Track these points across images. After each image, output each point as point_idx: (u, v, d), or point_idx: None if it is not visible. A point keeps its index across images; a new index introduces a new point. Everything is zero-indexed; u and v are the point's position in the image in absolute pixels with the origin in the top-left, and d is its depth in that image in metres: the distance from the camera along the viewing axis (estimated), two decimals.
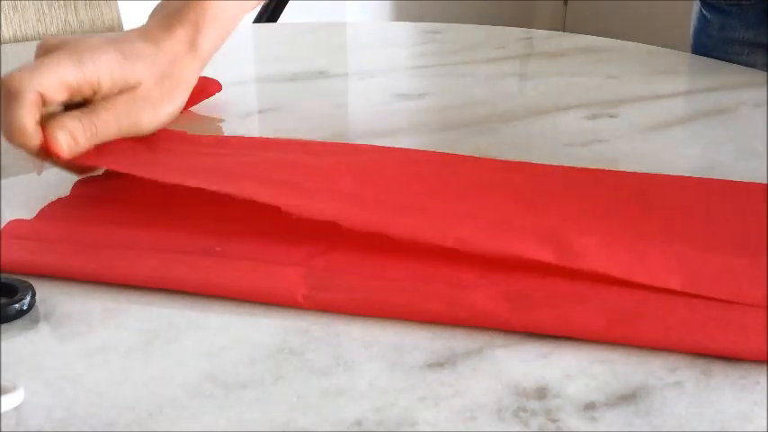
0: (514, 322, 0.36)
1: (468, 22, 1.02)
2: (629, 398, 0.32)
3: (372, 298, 0.38)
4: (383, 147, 0.56)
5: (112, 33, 0.56)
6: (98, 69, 0.50)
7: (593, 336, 0.35)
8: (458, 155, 0.54)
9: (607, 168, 0.52)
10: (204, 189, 0.45)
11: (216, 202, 0.46)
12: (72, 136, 0.48)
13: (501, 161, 0.53)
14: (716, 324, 0.36)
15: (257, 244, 0.42)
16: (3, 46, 0.91)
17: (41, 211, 0.47)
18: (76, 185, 0.51)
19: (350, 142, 0.60)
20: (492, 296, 0.37)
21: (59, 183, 0.51)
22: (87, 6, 1.05)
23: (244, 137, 0.58)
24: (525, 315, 0.36)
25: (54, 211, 0.47)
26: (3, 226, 0.44)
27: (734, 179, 0.50)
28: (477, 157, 0.54)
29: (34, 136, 0.47)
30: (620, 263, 0.40)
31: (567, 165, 0.53)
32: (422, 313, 0.37)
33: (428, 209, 0.45)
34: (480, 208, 0.46)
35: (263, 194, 0.44)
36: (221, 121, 0.66)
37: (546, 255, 0.40)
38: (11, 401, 0.31)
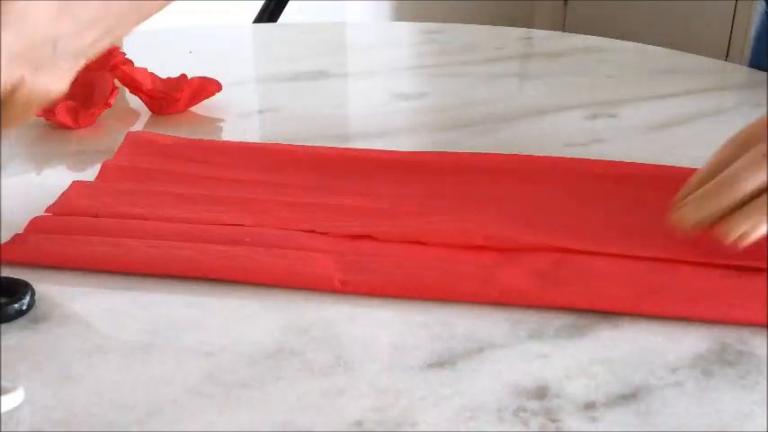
0: (545, 299, 0.38)
1: (469, 22, 1.02)
2: (629, 398, 0.32)
3: (407, 279, 0.39)
4: (386, 151, 0.55)
5: None
6: None
7: (623, 309, 0.37)
8: (461, 153, 0.55)
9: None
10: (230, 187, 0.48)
11: (236, 199, 0.48)
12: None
13: (502, 156, 0.54)
14: (741, 293, 0.38)
15: (282, 236, 0.43)
16: None
17: (61, 201, 0.47)
18: (99, 176, 0.51)
19: (349, 142, 0.60)
20: (521, 274, 0.39)
21: (59, 183, 0.51)
22: None
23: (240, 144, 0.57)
24: (555, 291, 0.38)
25: (76, 201, 0.48)
26: (27, 224, 0.45)
27: None
28: (480, 154, 0.54)
29: None
30: (638, 244, 0.42)
31: None
32: (456, 293, 0.38)
33: (450, 209, 0.46)
34: (494, 206, 0.47)
35: (293, 219, 0.45)
36: (221, 121, 0.66)
37: (569, 242, 0.42)
38: (11, 401, 0.31)
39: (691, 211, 0.40)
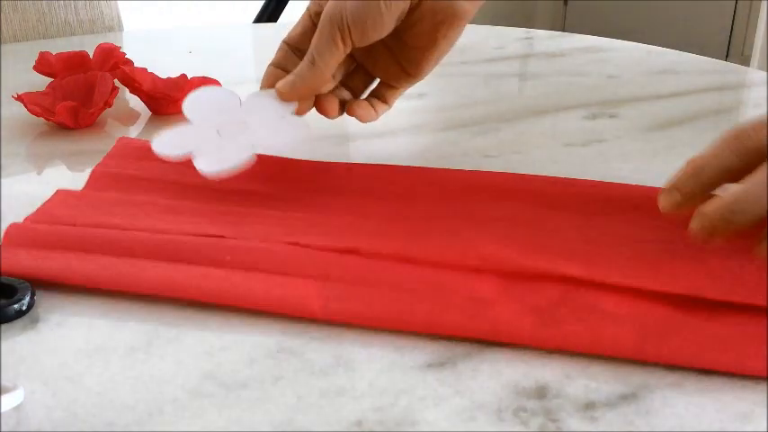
0: (539, 340, 0.35)
1: (469, 22, 1.02)
2: (629, 398, 0.32)
3: (391, 309, 0.37)
4: (381, 165, 0.53)
5: None
6: None
7: (625, 354, 0.34)
8: (462, 170, 0.52)
9: (605, 167, 0.52)
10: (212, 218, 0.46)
11: (219, 210, 0.46)
12: None
13: (508, 175, 0.51)
14: (749, 342, 0.34)
15: (264, 252, 0.41)
16: (3, 46, 0.91)
17: (42, 210, 0.46)
18: (88, 184, 0.50)
19: (349, 142, 0.60)
20: (516, 310, 0.36)
21: (59, 183, 0.51)
22: (87, 6, 1.05)
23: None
24: (551, 332, 0.35)
25: (57, 210, 0.46)
26: (3, 231, 0.44)
27: None
28: (476, 171, 0.52)
29: None
30: (649, 275, 0.39)
31: (567, 165, 0.53)
32: (443, 327, 0.36)
33: (445, 228, 0.44)
34: (495, 227, 0.45)
35: (277, 233, 0.43)
36: None
37: (573, 269, 0.39)
38: (11, 401, 0.31)
39: (711, 227, 0.38)
